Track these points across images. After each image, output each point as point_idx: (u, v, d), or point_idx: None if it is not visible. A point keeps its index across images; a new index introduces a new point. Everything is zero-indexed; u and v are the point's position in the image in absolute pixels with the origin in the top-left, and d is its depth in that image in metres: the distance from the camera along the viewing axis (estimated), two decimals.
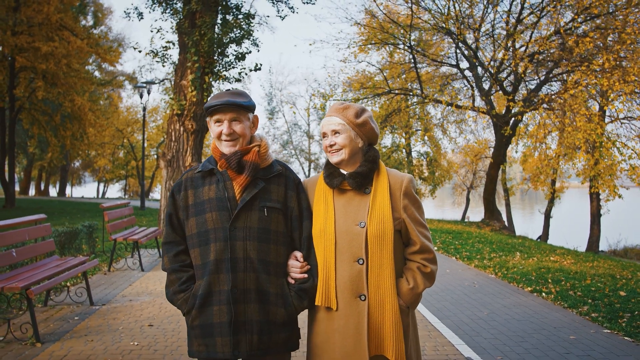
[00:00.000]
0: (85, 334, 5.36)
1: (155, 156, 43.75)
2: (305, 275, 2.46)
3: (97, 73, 37.78)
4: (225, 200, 2.41)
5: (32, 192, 50.74)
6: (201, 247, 2.42)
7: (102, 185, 57.21)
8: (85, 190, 65.17)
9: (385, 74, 23.16)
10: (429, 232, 2.52)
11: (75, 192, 63.38)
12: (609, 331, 5.66)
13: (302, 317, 2.51)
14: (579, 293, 7.46)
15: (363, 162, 2.50)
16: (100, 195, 55.18)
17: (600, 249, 26.14)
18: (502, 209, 31.97)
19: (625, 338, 5.40)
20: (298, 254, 2.50)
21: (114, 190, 63.87)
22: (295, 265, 2.47)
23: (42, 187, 53.41)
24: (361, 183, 2.46)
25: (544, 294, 7.49)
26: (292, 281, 2.47)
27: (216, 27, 14.46)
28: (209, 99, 2.27)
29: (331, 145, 2.50)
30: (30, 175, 48.06)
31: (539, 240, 26.15)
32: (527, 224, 39.04)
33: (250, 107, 2.50)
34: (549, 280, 8.40)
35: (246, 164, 2.44)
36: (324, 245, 2.43)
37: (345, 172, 2.52)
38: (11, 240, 5.66)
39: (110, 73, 40.53)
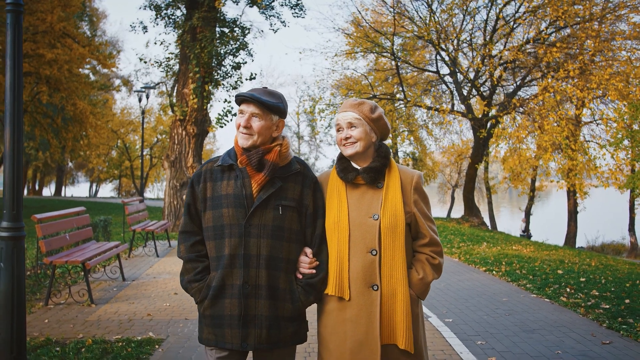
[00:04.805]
0: (126, 299, 6.85)
1: (149, 156, 45.19)
2: (314, 271, 2.53)
3: (92, 76, 38.96)
4: (242, 198, 2.46)
5: (25, 191, 51.68)
6: (216, 241, 2.49)
7: (94, 184, 58.22)
8: (76, 189, 66.07)
9: (370, 80, 24.65)
10: (435, 226, 2.63)
11: (68, 191, 64.40)
12: (535, 296, 7.24)
13: (311, 310, 2.67)
14: (524, 271, 9.04)
15: (376, 158, 2.58)
16: (92, 195, 56.26)
17: (579, 245, 27.61)
18: (486, 206, 33.64)
19: (546, 300, 6.99)
20: (308, 250, 2.56)
21: (107, 190, 64.81)
22: (305, 261, 2.54)
23: (37, 187, 54.50)
24: (375, 178, 2.54)
25: (494, 272, 9.08)
26: (300, 276, 2.54)
27: (215, 40, 15.89)
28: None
29: (347, 138, 2.57)
30: (26, 175, 49.07)
31: (522, 236, 27.61)
32: (514, 222, 40.63)
33: (274, 109, 2.50)
34: (503, 263, 9.98)
35: (266, 164, 2.48)
36: (337, 237, 2.51)
37: (358, 167, 2.59)
38: (64, 226, 7.15)
39: (105, 75, 41.76)
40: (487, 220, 30.30)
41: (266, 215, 2.46)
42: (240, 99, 2.51)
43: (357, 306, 2.45)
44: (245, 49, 16.36)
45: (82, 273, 8.12)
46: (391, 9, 21.97)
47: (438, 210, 45.94)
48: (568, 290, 7.48)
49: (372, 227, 2.47)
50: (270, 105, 2.48)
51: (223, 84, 16.41)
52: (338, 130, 2.61)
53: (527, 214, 31.21)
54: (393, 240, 2.47)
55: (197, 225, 2.59)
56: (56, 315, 6.04)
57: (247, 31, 16.34)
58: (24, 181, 48.44)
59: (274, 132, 2.55)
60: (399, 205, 2.50)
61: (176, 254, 2.64)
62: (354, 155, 2.57)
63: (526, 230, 29.63)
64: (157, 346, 4.95)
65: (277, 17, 17.30)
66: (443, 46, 21.39)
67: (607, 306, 6.49)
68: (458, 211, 39.52)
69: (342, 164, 2.61)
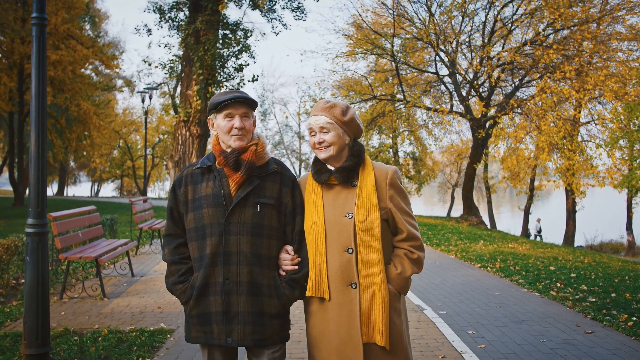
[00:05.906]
0: (136, 293, 7.20)
1: (151, 156, 45.64)
2: (296, 267, 2.58)
3: (94, 76, 39.32)
4: (221, 197, 2.53)
5: (28, 191, 51.88)
6: (198, 241, 2.55)
7: (96, 184, 58.59)
8: (78, 189, 66.42)
9: (370, 81, 24.96)
10: (415, 220, 2.62)
11: (70, 191, 64.74)
12: (526, 290, 7.58)
13: (294, 309, 2.89)
14: (517, 268, 9.37)
15: (349, 157, 2.59)
16: (94, 194, 56.63)
17: (577, 244, 27.92)
18: (486, 206, 33.97)
19: (536, 294, 7.32)
20: (289, 248, 2.61)
21: (108, 190, 65.19)
22: (286, 258, 2.59)
23: None
24: (347, 177, 2.56)
25: (489, 268, 9.42)
26: (283, 273, 2.59)
27: (218, 42, 16.24)
28: (212, 98, 2.64)
29: (320, 143, 2.59)
30: (28, 174, 49.33)
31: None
32: (514, 221, 40.90)
33: (255, 106, 2.62)
34: (498, 260, 10.31)
35: (243, 162, 2.54)
36: (315, 238, 2.55)
37: (332, 168, 2.62)
38: (77, 224, 7.51)
39: (107, 76, 42.17)
40: (486, 219, 30.62)
41: (245, 213, 2.52)
42: (225, 104, 2.55)
43: (337, 305, 2.48)
44: (248, 51, 16.72)
45: (93, 269, 8.48)
46: (391, 11, 22.33)
47: (438, 209, 46.30)
48: (558, 285, 7.81)
49: (346, 226, 2.50)
50: (255, 103, 2.62)
51: (226, 86, 16.76)
52: (311, 134, 2.64)
53: (526, 213, 31.49)
54: (369, 237, 2.48)
55: (180, 228, 2.66)
56: (71, 308, 6.39)
57: (249, 34, 16.69)
58: (27, 181, 48.83)
59: (253, 129, 2.67)
60: (373, 202, 2.51)
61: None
62: (327, 159, 2.61)
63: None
64: (168, 335, 5.30)
65: (279, 20, 17.66)
66: (442, 47, 21.71)
67: (594, 299, 6.82)
68: (458, 210, 39.80)
69: (317, 166, 2.65)
